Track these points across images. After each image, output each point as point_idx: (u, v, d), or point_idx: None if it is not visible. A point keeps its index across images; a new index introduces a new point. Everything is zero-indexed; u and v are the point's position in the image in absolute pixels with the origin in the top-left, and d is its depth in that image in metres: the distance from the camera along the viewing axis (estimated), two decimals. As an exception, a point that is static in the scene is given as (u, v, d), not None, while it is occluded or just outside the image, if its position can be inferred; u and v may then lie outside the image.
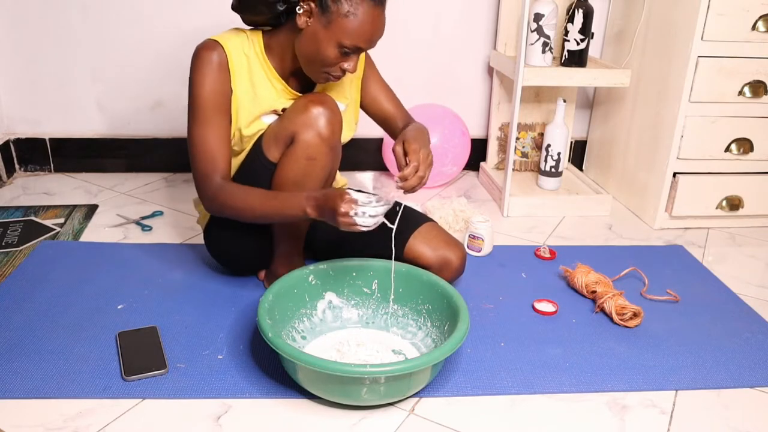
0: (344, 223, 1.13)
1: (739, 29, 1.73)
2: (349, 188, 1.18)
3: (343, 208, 1.12)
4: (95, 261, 1.58)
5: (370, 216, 1.13)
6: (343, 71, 1.25)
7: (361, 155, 2.26)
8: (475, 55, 2.20)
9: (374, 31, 1.20)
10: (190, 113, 1.28)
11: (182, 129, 2.16)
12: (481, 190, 2.20)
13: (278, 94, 1.32)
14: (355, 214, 1.12)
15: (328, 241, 1.50)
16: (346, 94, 1.44)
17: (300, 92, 1.34)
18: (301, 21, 1.20)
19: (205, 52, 1.25)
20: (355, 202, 1.12)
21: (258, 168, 1.31)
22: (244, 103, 1.29)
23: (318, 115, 1.24)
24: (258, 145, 1.32)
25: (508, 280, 1.58)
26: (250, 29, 1.32)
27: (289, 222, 1.35)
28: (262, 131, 1.33)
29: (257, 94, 1.30)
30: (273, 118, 1.33)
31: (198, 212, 1.51)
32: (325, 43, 1.20)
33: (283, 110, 1.33)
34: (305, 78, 1.35)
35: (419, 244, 1.43)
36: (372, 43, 1.23)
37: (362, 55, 1.45)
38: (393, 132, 1.53)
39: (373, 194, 1.16)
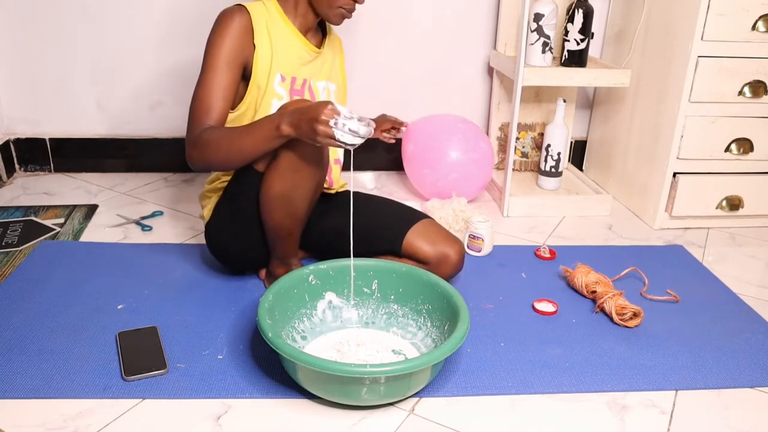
0: (322, 132, 1.11)
1: (739, 29, 1.73)
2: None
3: (325, 116, 1.10)
4: (95, 261, 1.58)
5: (350, 130, 1.10)
6: (355, 1, 1.35)
7: (361, 155, 2.25)
8: (475, 55, 2.20)
9: None
10: (202, 68, 1.31)
11: (182, 129, 2.16)
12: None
13: (296, 48, 1.38)
14: (335, 124, 1.10)
15: (327, 241, 1.50)
16: (337, 75, 1.50)
17: (316, 46, 1.43)
18: None
19: (229, 14, 1.32)
20: (338, 113, 1.11)
21: (246, 178, 1.33)
22: (264, 59, 1.33)
23: None
24: None
25: (508, 280, 1.58)
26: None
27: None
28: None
29: (276, 52, 1.35)
30: (281, 90, 1.37)
31: (202, 206, 1.52)
32: None
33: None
34: (318, 33, 1.46)
35: (417, 239, 1.44)
36: None
37: (341, 46, 1.55)
38: None
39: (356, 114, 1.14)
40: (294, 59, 1.39)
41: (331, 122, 1.11)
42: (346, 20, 1.46)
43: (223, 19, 1.31)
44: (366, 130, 1.12)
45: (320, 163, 1.28)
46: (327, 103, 1.12)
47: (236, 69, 1.31)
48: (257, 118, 1.35)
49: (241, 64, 1.32)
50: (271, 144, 1.21)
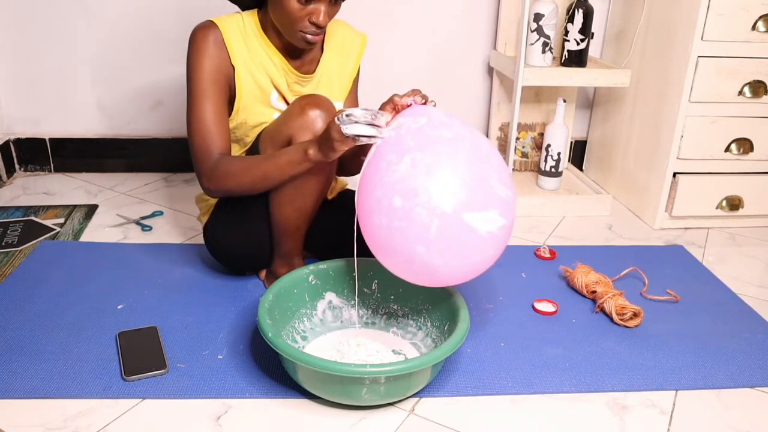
0: (335, 134, 1.09)
1: (739, 29, 1.73)
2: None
3: (332, 120, 1.10)
4: (95, 261, 1.58)
5: (354, 120, 1.08)
6: (314, 24, 1.24)
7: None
8: (475, 55, 2.20)
9: None
10: (188, 92, 1.30)
11: (182, 129, 2.17)
12: (481, 190, 2.20)
13: (277, 69, 1.34)
14: (341, 121, 1.09)
15: (329, 240, 1.50)
16: (343, 91, 1.46)
17: (297, 69, 1.36)
18: None
19: (200, 32, 1.29)
20: (341, 112, 1.10)
21: None
22: (247, 77, 1.31)
23: (315, 117, 1.24)
24: (255, 147, 1.33)
25: (508, 280, 1.58)
26: (246, 12, 1.35)
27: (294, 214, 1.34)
28: (263, 126, 1.34)
29: (258, 69, 1.32)
30: (280, 104, 1.35)
31: (199, 209, 1.51)
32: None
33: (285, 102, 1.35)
34: (313, 51, 1.37)
35: None
36: None
37: (359, 53, 1.46)
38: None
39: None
40: (278, 80, 1.35)
41: (338, 121, 1.09)
42: (347, 28, 1.43)
43: (195, 39, 1.29)
44: (364, 113, 1.08)
45: None
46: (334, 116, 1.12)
47: (222, 87, 1.30)
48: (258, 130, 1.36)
49: (225, 82, 1.30)
50: (298, 169, 1.21)
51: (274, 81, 1.34)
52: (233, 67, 1.30)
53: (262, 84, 1.33)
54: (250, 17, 1.33)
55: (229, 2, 1.37)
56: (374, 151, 1.12)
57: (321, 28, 1.25)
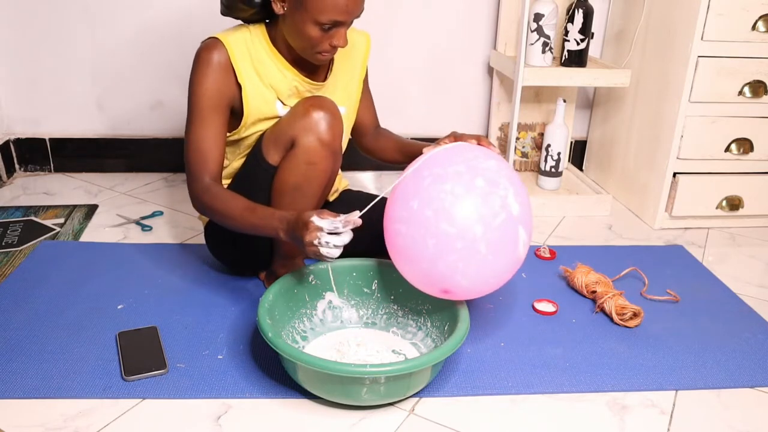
0: (311, 252, 1.11)
1: (739, 29, 1.73)
2: (322, 209, 1.15)
3: (308, 238, 1.10)
4: (95, 261, 1.58)
5: (335, 246, 1.10)
6: (334, 47, 1.24)
7: (361, 155, 2.25)
8: (475, 55, 2.20)
9: (347, 2, 1.18)
10: (188, 111, 1.29)
11: (182, 129, 2.16)
12: (481, 190, 2.19)
13: (288, 81, 1.32)
14: (319, 243, 1.09)
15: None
16: (350, 95, 1.44)
17: (307, 76, 1.34)
18: (277, 7, 1.22)
19: (206, 52, 1.26)
20: (320, 230, 1.09)
21: (258, 172, 1.32)
22: (254, 95, 1.29)
23: (319, 119, 1.23)
24: (258, 148, 1.32)
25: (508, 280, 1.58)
26: (254, 24, 1.32)
27: None
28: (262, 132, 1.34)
29: (267, 84, 1.30)
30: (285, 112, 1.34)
31: (199, 210, 1.51)
32: (303, 25, 1.20)
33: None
34: (315, 67, 1.36)
35: None
36: (350, 14, 1.20)
37: (365, 54, 1.45)
38: (361, 135, 1.54)
39: (338, 218, 1.11)
40: (286, 91, 1.33)
41: (315, 241, 1.09)
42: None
43: (200, 58, 1.26)
44: (348, 238, 1.11)
45: (335, 156, 1.28)
46: (308, 222, 1.10)
47: (223, 110, 1.28)
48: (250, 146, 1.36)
49: (227, 104, 1.29)
50: (272, 236, 1.21)
51: (281, 95, 1.32)
52: (239, 85, 1.28)
53: (268, 98, 1.31)
54: (258, 30, 1.30)
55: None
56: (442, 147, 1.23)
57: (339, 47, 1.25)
